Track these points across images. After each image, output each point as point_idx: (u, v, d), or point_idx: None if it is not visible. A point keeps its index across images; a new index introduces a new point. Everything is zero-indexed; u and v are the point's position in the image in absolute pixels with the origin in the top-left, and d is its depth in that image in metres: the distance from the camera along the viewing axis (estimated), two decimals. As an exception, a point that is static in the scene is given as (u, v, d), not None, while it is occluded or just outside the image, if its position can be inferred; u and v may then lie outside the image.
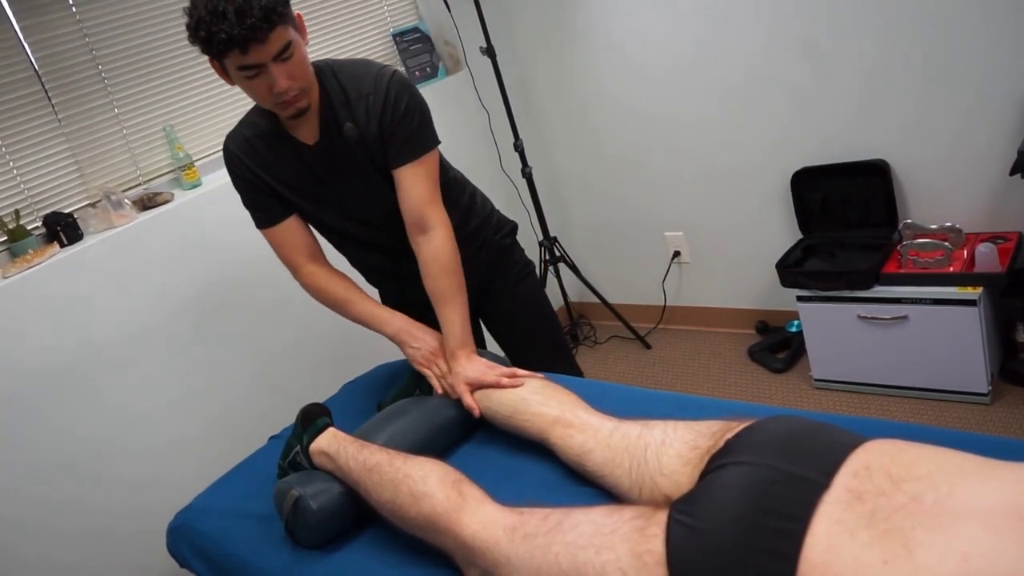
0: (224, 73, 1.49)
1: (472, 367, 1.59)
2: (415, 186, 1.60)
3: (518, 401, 1.52)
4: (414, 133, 1.59)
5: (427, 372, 1.67)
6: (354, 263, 1.91)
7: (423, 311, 1.70)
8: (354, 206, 1.69)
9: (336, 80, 1.57)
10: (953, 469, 0.88)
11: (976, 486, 0.84)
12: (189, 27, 1.40)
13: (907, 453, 0.93)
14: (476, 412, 1.56)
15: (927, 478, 0.87)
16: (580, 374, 2.02)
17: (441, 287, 1.63)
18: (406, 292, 1.81)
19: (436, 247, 1.62)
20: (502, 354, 1.92)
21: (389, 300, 1.92)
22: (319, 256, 1.74)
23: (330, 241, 1.84)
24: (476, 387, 1.57)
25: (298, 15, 1.48)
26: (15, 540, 1.94)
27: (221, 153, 2.39)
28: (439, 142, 1.66)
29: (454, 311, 1.62)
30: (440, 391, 1.64)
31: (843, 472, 0.93)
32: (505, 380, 1.54)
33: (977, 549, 0.78)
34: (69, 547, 2.03)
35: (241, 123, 1.66)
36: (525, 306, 1.95)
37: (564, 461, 1.43)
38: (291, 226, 1.68)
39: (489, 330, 2.01)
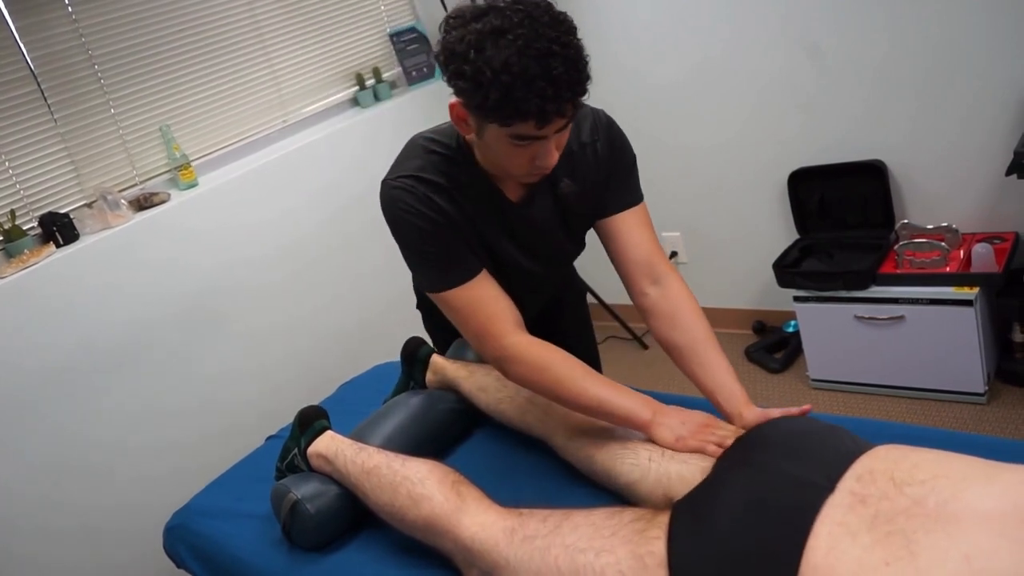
0: (466, 123, 1.21)
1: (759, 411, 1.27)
2: (642, 233, 1.42)
3: (524, 403, 1.52)
4: (635, 176, 1.44)
5: (701, 449, 1.25)
6: None
7: None
8: (536, 262, 1.47)
9: None
10: (955, 473, 0.89)
11: (978, 489, 0.85)
12: (460, 75, 1.10)
13: (910, 457, 0.94)
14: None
15: (930, 482, 0.88)
16: None
17: (699, 334, 1.37)
18: None
19: (678, 295, 1.40)
20: None
21: None
22: (523, 323, 1.38)
23: None
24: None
25: None
26: (13, 539, 1.93)
27: (214, 153, 2.45)
28: None
29: (720, 355, 1.35)
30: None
31: (847, 476, 0.94)
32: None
33: (979, 552, 0.78)
34: (66, 546, 2.02)
35: (418, 167, 1.32)
36: (583, 324, 1.89)
37: (570, 461, 1.43)
38: (488, 283, 1.35)
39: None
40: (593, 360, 1.92)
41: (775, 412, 1.24)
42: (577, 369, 1.33)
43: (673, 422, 1.28)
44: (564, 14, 1.13)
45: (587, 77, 1.12)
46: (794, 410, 1.23)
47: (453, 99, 1.19)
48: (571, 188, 1.37)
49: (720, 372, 1.32)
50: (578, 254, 1.53)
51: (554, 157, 1.21)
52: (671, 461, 1.21)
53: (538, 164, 1.21)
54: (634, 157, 1.45)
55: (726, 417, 1.29)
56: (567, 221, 1.43)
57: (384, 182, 1.34)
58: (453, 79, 1.13)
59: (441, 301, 1.37)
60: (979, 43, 2.16)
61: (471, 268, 1.34)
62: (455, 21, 1.12)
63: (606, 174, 1.39)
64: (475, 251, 1.36)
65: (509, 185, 1.36)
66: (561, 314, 1.72)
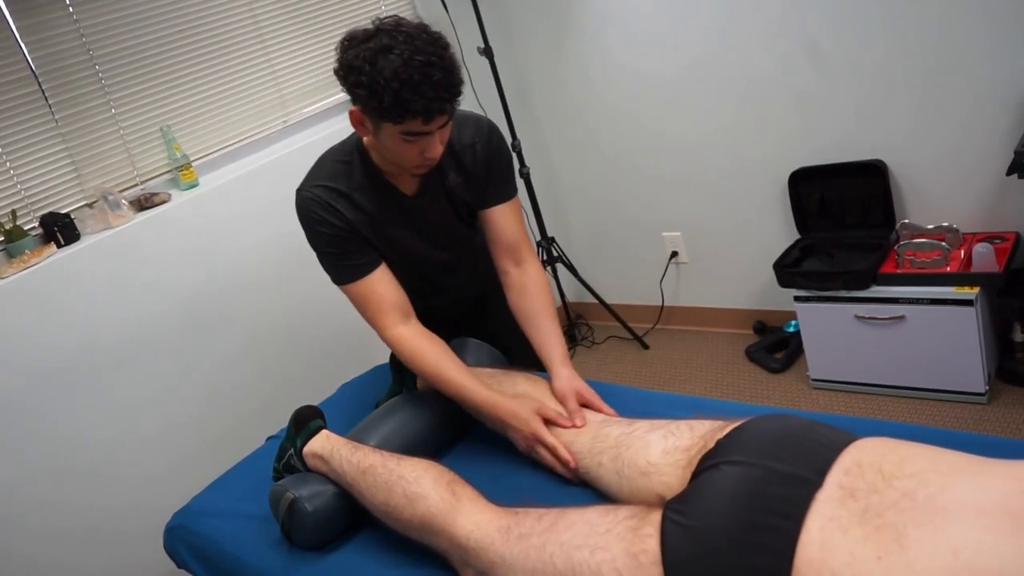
0: (363, 126, 1.46)
1: (576, 382, 1.55)
2: (511, 223, 1.69)
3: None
4: (511, 175, 1.70)
5: (536, 453, 1.48)
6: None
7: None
8: (437, 248, 1.71)
9: None
10: (944, 466, 0.89)
11: (967, 483, 0.85)
12: (358, 84, 1.34)
13: (898, 451, 0.94)
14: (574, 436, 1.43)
15: (919, 475, 0.88)
16: None
17: (541, 305, 1.67)
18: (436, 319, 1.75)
19: (534, 274, 1.69)
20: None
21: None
22: (410, 315, 1.62)
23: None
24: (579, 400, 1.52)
25: None
26: (14, 539, 1.94)
27: (215, 153, 2.45)
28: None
29: (553, 323, 1.65)
30: (561, 467, 1.43)
31: (835, 470, 0.94)
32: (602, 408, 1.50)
33: (967, 545, 0.78)
34: (67, 546, 2.03)
35: (328, 175, 1.58)
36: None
37: None
38: (381, 278, 1.60)
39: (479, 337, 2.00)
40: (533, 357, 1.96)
41: (596, 404, 1.49)
42: (443, 361, 1.57)
43: (512, 425, 1.48)
44: (439, 33, 1.38)
45: (461, 81, 1.37)
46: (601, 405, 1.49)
47: (352, 107, 1.42)
48: (457, 180, 1.62)
49: (549, 336, 1.63)
50: (473, 238, 1.74)
51: (438, 150, 1.45)
52: (640, 477, 1.22)
53: (426, 156, 1.44)
54: (510, 157, 1.70)
55: (547, 370, 1.59)
56: (456, 208, 1.67)
57: (297, 191, 1.59)
58: (353, 88, 1.36)
59: (343, 292, 1.62)
60: (980, 43, 2.16)
61: (365, 267, 1.58)
62: (349, 43, 1.36)
63: (485, 170, 1.63)
64: (379, 248, 1.60)
65: (403, 182, 1.60)
66: (484, 314, 1.90)
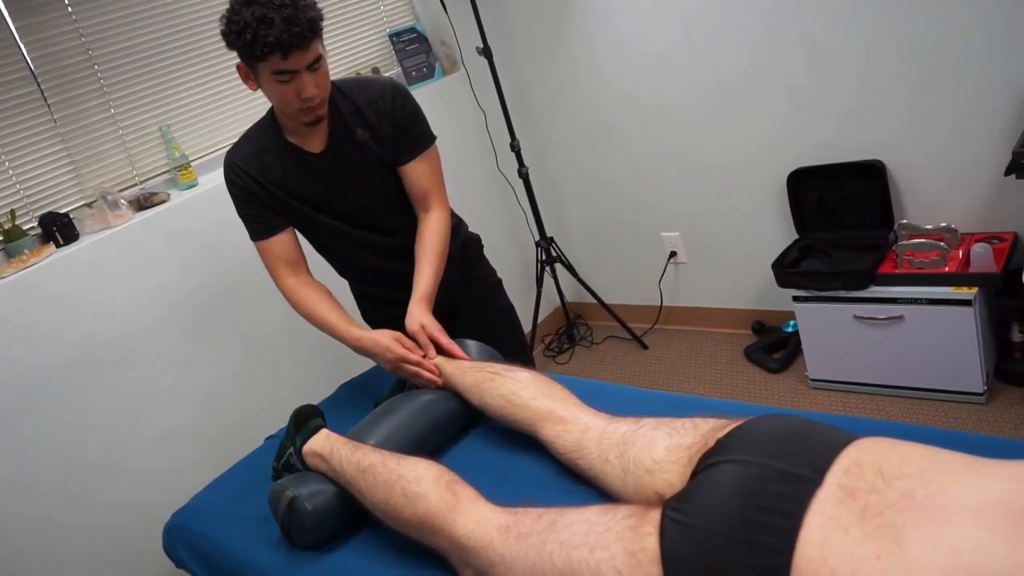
0: (250, 79, 1.63)
1: (424, 317, 1.73)
2: (423, 175, 1.81)
3: (509, 394, 1.53)
4: (420, 130, 1.81)
5: (404, 372, 1.70)
6: (344, 267, 2.00)
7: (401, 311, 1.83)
8: (360, 206, 1.82)
9: (341, 93, 1.74)
10: (943, 466, 0.89)
11: (965, 483, 0.85)
12: (231, 32, 1.53)
13: (898, 451, 0.94)
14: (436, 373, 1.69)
15: (918, 475, 0.88)
16: None
17: (427, 249, 1.80)
18: (388, 292, 1.93)
19: (432, 221, 1.83)
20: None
21: (371, 301, 2.07)
22: (301, 268, 1.83)
23: (327, 247, 1.93)
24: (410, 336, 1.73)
25: None
26: (15, 535, 1.94)
27: (214, 153, 2.45)
28: (436, 136, 1.86)
29: (430, 266, 1.79)
30: (432, 379, 1.67)
31: (835, 469, 0.94)
32: (427, 354, 1.70)
33: (966, 544, 0.78)
34: (68, 543, 2.03)
35: (243, 140, 1.77)
36: (498, 312, 2.09)
37: (556, 457, 1.43)
38: (283, 239, 1.79)
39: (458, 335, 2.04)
40: (520, 350, 2.10)
41: (442, 340, 1.70)
42: (319, 305, 1.79)
43: (384, 356, 1.70)
44: None
45: (310, 19, 1.52)
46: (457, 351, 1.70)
47: (238, 62, 1.61)
48: (365, 136, 1.74)
49: (420, 278, 1.78)
50: (397, 197, 1.84)
51: (311, 90, 1.58)
52: (645, 474, 1.22)
53: (303, 97, 1.58)
54: (416, 114, 1.80)
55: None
56: (369, 161, 1.77)
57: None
58: (228, 38, 1.55)
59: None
60: (978, 43, 2.16)
61: (270, 229, 1.77)
62: (231, 5, 1.54)
63: (391, 128, 1.75)
64: (297, 208, 1.76)
65: (308, 140, 1.73)
66: (457, 313, 1.99)
